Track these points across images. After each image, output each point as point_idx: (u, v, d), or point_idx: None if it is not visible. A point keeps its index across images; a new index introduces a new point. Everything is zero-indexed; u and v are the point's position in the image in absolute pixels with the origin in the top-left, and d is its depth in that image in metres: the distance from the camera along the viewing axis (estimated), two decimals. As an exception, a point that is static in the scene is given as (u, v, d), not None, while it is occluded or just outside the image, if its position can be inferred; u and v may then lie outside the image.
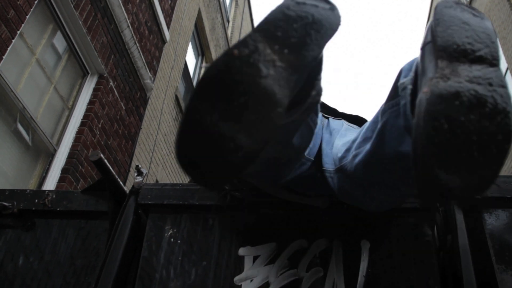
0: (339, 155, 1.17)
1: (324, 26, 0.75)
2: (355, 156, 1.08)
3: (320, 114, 1.45)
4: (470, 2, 10.05)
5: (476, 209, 1.29)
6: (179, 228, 1.40)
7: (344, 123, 1.41)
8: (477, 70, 0.68)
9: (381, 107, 0.98)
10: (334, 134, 1.36)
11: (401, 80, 0.88)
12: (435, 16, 0.76)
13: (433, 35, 0.75)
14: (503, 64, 8.31)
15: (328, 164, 1.26)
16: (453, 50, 0.71)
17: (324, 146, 1.34)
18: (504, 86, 0.67)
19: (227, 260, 1.34)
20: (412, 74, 0.84)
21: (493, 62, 0.70)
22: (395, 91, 0.91)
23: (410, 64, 0.88)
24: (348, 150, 1.13)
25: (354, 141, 1.13)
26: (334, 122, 1.42)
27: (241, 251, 1.34)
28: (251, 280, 1.29)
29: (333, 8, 0.78)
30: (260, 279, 1.28)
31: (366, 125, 1.11)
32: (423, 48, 0.79)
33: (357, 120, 1.52)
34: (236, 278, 1.30)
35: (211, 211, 1.40)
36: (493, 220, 1.26)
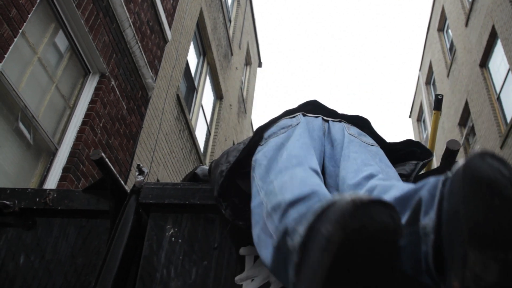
0: None
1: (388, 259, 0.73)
2: None
3: (320, 118, 1.44)
4: (472, 3, 10.03)
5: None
6: (180, 228, 1.40)
7: (345, 129, 1.39)
8: (505, 258, 0.65)
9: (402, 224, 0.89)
10: (337, 148, 1.33)
11: (422, 220, 0.80)
12: (464, 180, 0.70)
13: (463, 213, 0.69)
14: (505, 65, 8.28)
15: (332, 188, 1.24)
16: (483, 237, 0.66)
17: (327, 163, 1.32)
18: None
19: (228, 259, 1.33)
20: (434, 216, 0.77)
21: None
22: (416, 216, 0.83)
23: (431, 193, 0.80)
24: None
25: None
26: (335, 128, 1.40)
27: (242, 251, 1.34)
28: (252, 280, 1.29)
29: (392, 217, 0.73)
30: (261, 279, 1.28)
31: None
32: (450, 206, 0.72)
33: (357, 120, 1.52)
34: (237, 278, 1.30)
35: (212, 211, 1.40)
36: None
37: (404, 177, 1.33)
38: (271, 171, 1.16)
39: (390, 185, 1.00)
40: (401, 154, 1.47)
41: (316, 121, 1.41)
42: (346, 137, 1.35)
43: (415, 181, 1.32)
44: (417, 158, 1.43)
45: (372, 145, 1.35)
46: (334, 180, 1.26)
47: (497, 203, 0.66)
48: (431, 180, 0.83)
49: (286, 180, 1.02)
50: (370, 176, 1.13)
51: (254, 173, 1.21)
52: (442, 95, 2.17)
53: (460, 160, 0.73)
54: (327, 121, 1.43)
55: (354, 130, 1.41)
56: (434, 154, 1.79)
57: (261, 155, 1.25)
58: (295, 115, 1.41)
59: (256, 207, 1.09)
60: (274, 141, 1.29)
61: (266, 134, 1.36)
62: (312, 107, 1.51)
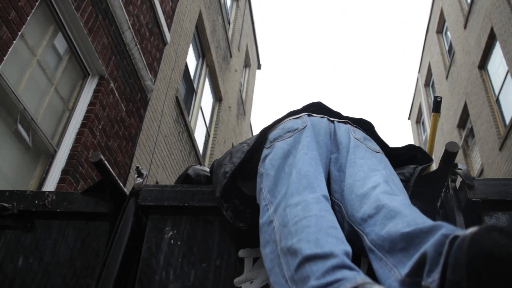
0: (356, 214, 1.10)
1: None
2: (370, 250, 1.02)
3: (325, 119, 1.43)
4: (471, 5, 10.06)
5: (476, 212, 1.29)
6: (179, 230, 1.40)
7: (350, 132, 1.38)
8: None
9: (401, 274, 0.89)
10: (342, 152, 1.32)
11: (426, 279, 0.80)
12: (468, 255, 0.69)
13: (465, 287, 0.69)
14: (504, 67, 8.30)
15: (337, 194, 1.24)
16: None
17: (332, 168, 1.31)
18: None
19: (227, 262, 1.33)
20: (437, 280, 0.76)
21: None
22: (419, 271, 0.83)
23: (437, 251, 0.80)
24: (365, 220, 1.07)
25: (371, 216, 1.06)
26: (340, 130, 1.39)
27: (241, 253, 1.34)
28: (251, 282, 1.29)
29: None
30: (260, 281, 1.28)
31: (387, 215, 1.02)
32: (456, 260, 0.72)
33: (361, 123, 1.51)
34: (236, 280, 1.30)
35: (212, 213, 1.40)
36: (493, 222, 1.26)
37: (403, 182, 1.33)
38: (279, 183, 1.16)
39: (396, 211, 1.01)
40: (402, 158, 1.48)
41: (321, 122, 1.39)
42: (352, 141, 1.34)
43: (415, 185, 1.33)
44: (417, 162, 1.43)
45: (377, 152, 1.35)
46: (339, 185, 1.25)
47: (500, 282, 0.67)
48: (438, 233, 0.84)
49: (300, 216, 1.00)
50: (377, 186, 1.13)
51: (262, 184, 1.21)
52: (441, 97, 2.17)
53: (470, 229, 0.73)
54: (333, 121, 1.43)
55: (360, 134, 1.40)
56: (434, 155, 1.79)
57: (268, 164, 1.24)
58: (300, 115, 1.40)
59: (265, 225, 1.09)
60: (281, 147, 1.27)
61: (271, 136, 1.34)
62: (317, 109, 1.50)
